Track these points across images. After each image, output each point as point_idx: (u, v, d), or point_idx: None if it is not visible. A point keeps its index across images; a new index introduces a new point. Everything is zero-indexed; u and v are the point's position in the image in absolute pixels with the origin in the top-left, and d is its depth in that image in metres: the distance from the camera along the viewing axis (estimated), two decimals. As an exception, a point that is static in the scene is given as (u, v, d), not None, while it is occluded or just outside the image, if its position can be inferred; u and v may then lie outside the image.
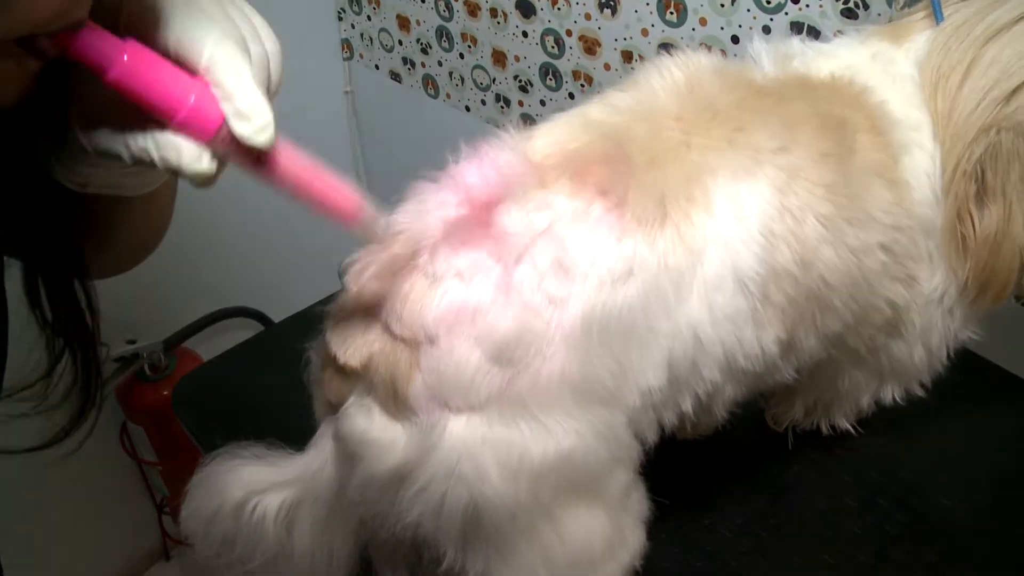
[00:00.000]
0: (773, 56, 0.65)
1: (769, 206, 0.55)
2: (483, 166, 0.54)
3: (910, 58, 0.64)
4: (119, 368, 1.55)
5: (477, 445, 0.51)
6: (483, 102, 1.53)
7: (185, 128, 0.40)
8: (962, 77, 0.60)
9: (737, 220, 0.55)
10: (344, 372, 0.54)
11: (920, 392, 0.75)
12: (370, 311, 0.53)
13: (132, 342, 1.54)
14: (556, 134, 0.57)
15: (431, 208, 0.54)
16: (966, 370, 0.83)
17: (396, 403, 0.52)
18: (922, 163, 0.61)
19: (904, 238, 0.61)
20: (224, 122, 0.40)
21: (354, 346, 0.53)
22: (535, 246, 0.51)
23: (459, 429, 0.51)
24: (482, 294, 0.50)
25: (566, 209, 0.53)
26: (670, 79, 0.60)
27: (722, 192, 0.55)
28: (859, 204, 0.58)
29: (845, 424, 0.80)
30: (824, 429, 0.81)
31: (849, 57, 0.65)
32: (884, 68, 0.64)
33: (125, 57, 0.39)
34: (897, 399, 0.75)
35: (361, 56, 1.77)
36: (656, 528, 0.63)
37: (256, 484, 0.59)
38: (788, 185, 0.56)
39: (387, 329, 0.52)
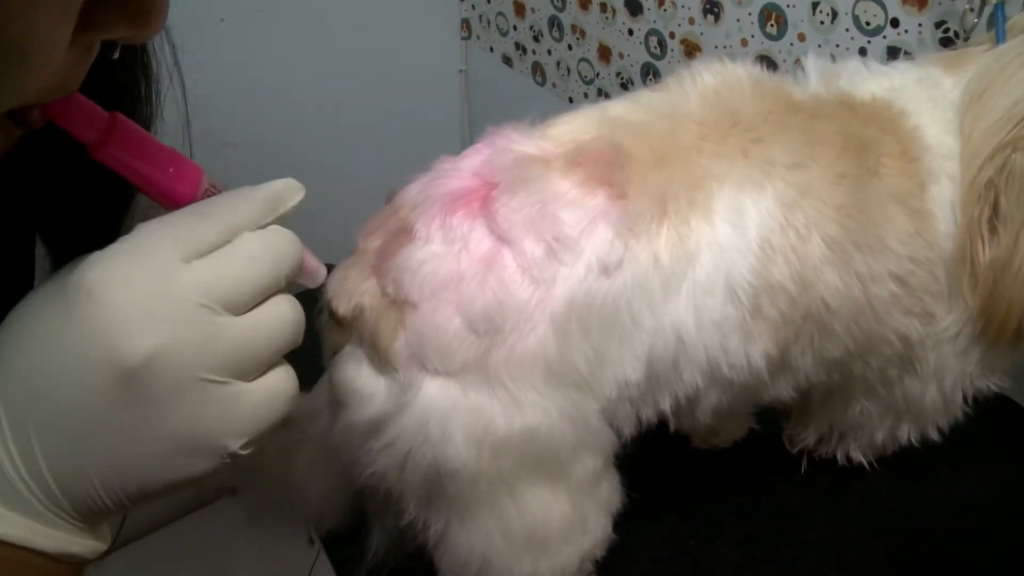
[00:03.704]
0: (821, 73, 0.64)
1: (772, 219, 0.55)
2: (496, 147, 0.57)
3: (960, 84, 0.61)
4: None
5: (447, 409, 0.53)
6: (585, 95, 1.54)
7: (162, 198, 0.42)
8: (988, 95, 0.57)
9: (735, 229, 0.54)
10: (338, 321, 0.57)
11: (936, 436, 0.72)
12: (368, 267, 0.56)
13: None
14: (573, 124, 0.58)
15: (442, 179, 0.56)
16: (996, 415, 0.80)
17: (379, 357, 0.55)
18: (950, 193, 0.59)
19: (922, 271, 0.59)
20: (199, 188, 0.42)
21: (347, 297, 0.55)
22: (530, 224, 0.52)
23: (433, 391, 0.53)
24: (470, 264, 0.52)
25: (567, 194, 0.54)
26: (701, 84, 0.60)
27: (725, 199, 0.55)
28: (872, 230, 0.57)
29: (860, 457, 0.78)
30: (840, 460, 0.79)
31: (896, 79, 0.63)
32: (927, 92, 0.61)
33: (109, 131, 0.40)
34: (913, 440, 0.73)
35: (478, 37, 1.80)
36: (653, 529, 0.63)
37: None
38: (796, 202, 0.55)
39: (380, 285, 0.54)
